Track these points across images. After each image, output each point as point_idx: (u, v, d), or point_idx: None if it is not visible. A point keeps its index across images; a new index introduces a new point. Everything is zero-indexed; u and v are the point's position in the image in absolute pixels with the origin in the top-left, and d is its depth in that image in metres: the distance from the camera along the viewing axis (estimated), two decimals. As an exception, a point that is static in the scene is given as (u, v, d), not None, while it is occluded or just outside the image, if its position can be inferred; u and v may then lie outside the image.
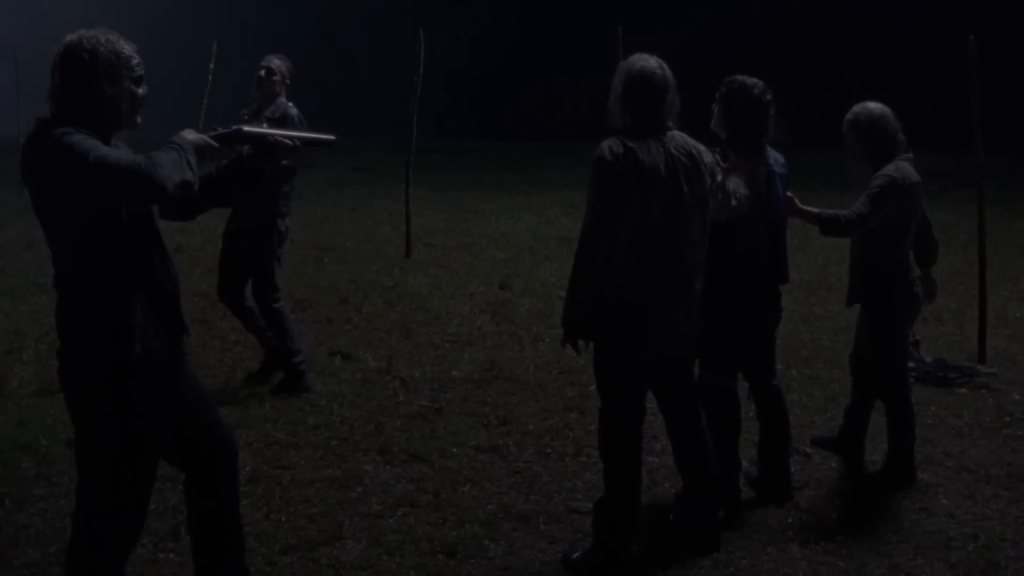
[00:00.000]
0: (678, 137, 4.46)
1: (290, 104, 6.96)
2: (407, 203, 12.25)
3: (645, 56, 4.52)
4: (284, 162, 6.00)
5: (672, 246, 4.38)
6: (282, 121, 6.69)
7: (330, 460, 5.78)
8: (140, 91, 3.58)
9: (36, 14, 31.50)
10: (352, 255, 11.96)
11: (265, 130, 4.01)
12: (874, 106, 5.51)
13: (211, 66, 13.39)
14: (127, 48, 3.54)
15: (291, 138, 3.93)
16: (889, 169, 5.35)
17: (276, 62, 6.98)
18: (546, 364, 7.58)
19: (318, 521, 5.01)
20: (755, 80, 5.08)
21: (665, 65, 4.49)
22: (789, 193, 5.26)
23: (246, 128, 3.92)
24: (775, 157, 5.17)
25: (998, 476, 5.64)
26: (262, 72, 6.91)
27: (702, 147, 4.53)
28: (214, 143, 3.72)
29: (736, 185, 4.74)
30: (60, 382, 3.61)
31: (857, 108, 5.53)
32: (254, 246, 6.92)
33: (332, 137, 4.17)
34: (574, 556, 4.61)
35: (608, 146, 4.32)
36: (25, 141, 3.48)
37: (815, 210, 5.35)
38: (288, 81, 7.01)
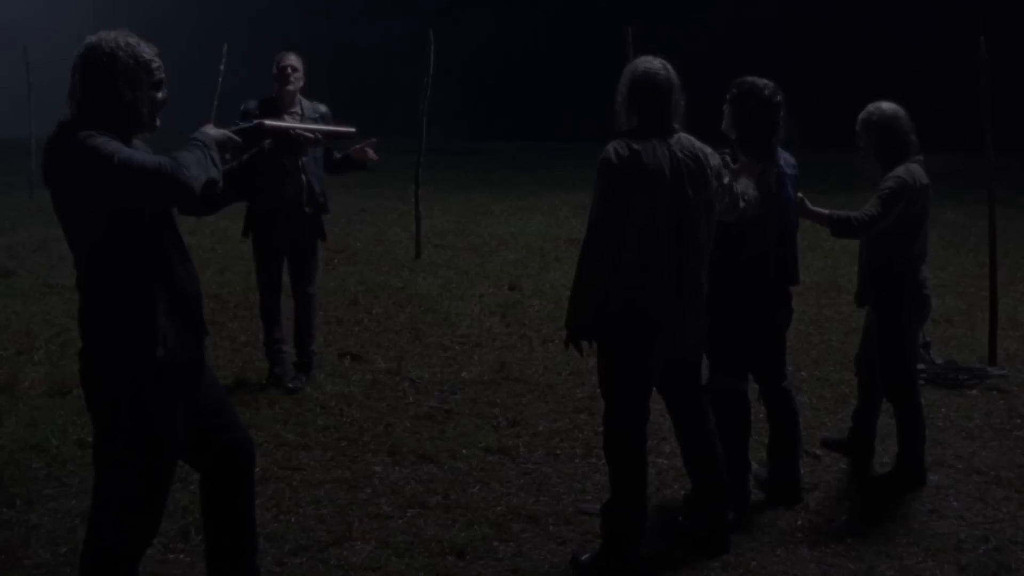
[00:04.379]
0: (684, 139, 4.46)
1: (316, 102, 7.03)
2: (417, 204, 12.28)
3: (649, 58, 4.53)
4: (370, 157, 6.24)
5: (678, 248, 4.38)
6: (324, 121, 6.72)
7: (340, 461, 5.78)
8: (160, 95, 3.58)
9: (48, 13, 31.60)
10: (362, 256, 11.98)
11: (287, 124, 4.02)
12: (888, 106, 5.50)
13: (221, 67, 13.41)
14: (147, 52, 3.53)
15: (312, 131, 3.94)
16: (900, 171, 5.34)
17: (294, 58, 6.99)
18: (556, 365, 7.58)
19: (327, 522, 5.02)
20: (765, 81, 5.08)
21: (670, 66, 4.49)
22: (800, 194, 5.25)
23: (268, 122, 3.93)
24: (785, 158, 5.17)
25: (1009, 478, 5.62)
26: (288, 70, 6.91)
27: (708, 149, 4.53)
28: (236, 138, 3.72)
29: (745, 187, 4.73)
30: (82, 382, 3.60)
31: (871, 107, 5.52)
32: (315, 235, 7.13)
33: (352, 129, 4.18)
34: (583, 557, 4.61)
35: (613, 148, 4.33)
36: (47, 143, 3.47)
37: (826, 211, 5.34)
38: (303, 78, 7.06)
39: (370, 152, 6.80)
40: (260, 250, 7.15)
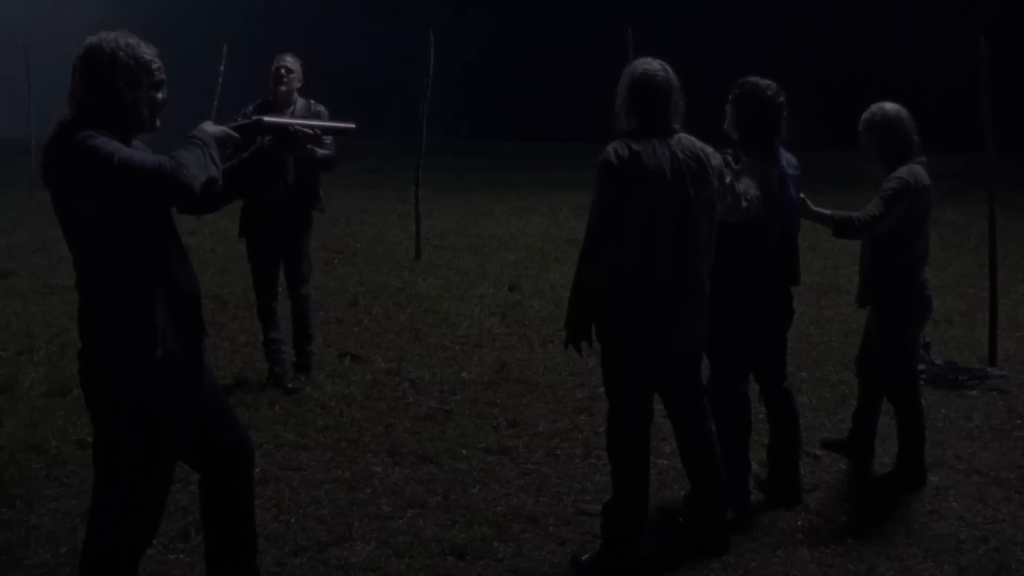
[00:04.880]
0: (685, 140, 4.46)
1: (312, 102, 7.03)
2: (417, 205, 12.28)
3: (648, 59, 4.54)
4: (325, 152, 6.30)
5: (679, 248, 4.38)
6: (316, 118, 6.70)
7: (339, 461, 5.78)
8: (160, 96, 3.57)
9: (49, 13, 31.58)
10: (362, 257, 11.98)
11: (285, 120, 4.00)
12: (890, 106, 5.50)
13: (221, 68, 13.44)
14: (147, 52, 3.52)
15: (311, 127, 3.92)
16: (902, 172, 5.34)
17: (290, 59, 6.99)
18: (556, 366, 7.58)
19: (327, 522, 5.02)
20: (768, 81, 5.08)
21: (668, 67, 4.50)
22: (802, 195, 5.25)
23: (267, 119, 3.90)
24: (787, 158, 5.17)
25: (1009, 479, 5.62)
26: (281, 71, 6.92)
27: (710, 149, 4.53)
28: (235, 134, 3.71)
29: (747, 187, 4.73)
30: (81, 383, 3.60)
31: (874, 108, 5.52)
32: (301, 233, 7.09)
33: (351, 125, 4.16)
34: (583, 558, 4.61)
35: (613, 148, 4.33)
36: (46, 144, 3.46)
37: (827, 212, 5.34)
38: (302, 79, 7.05)
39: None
40: (254, 252, 7.15)
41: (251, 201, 6.90)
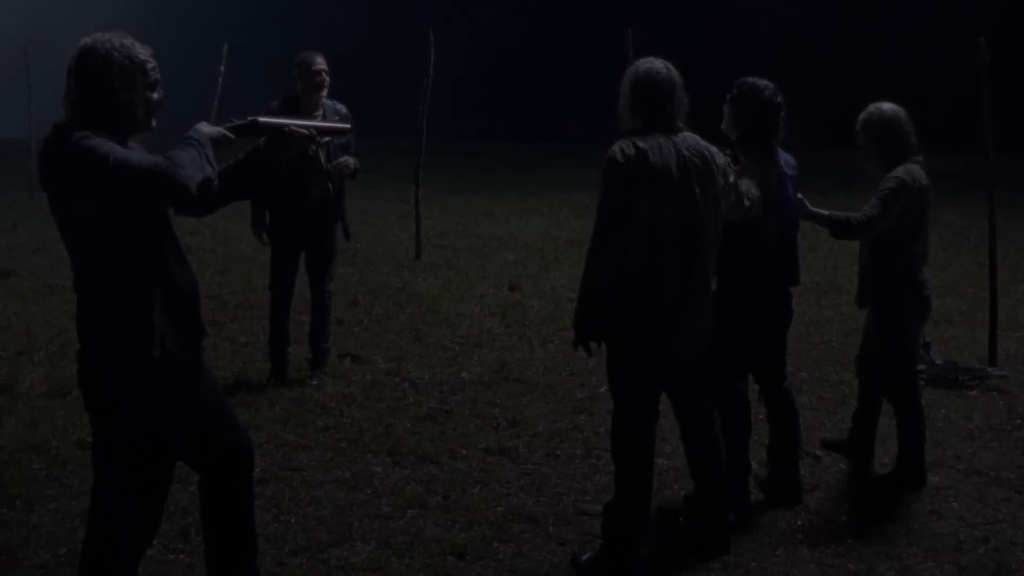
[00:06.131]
0: (690, 138, 4.47)
1: (335, 103, 7.03)
2: (417, 205, 12.28)
3: (651, 59, 4.55)
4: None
5: (684, 247, 4.38)
6: (344, 121, 6.69)
7: (340, 462, 5.78)
8: (155, 96, 3.58)
9: (47, 14, 31.59)
10: (362, 257, 11.97)
11: (281, 120, 4.00)
12: (888, 107, 5.50)
13: (221, 68, 13.42)
14: (142, 53, 3.53)
15: (307, 127, 3.92)
16: (899, 171, 5.34)
17: (322, 61, 6.97)
18: (556, 366, 7.58)
19: (327, 523, 5.02)
20: (766, 82, 5.08)
21: (671, 66, 4.51)
22: (800, 195, 5.25)
23: (262, 119, 3.90)
24: (786, 159, 5.17)
25: (1009, 479, 5.62)
26: (323, 74, 6.91)
27: (714, 148, 4.53)
28: (230, 135, 3.71)
29: (748, 187, 4.73)
30: (80, 383, 3.60)
31: (871, 108, 5.53)
32: (333, 234, 7.22)
33: (347, 126, 4.19)
34: (583, 558, 4.61)
35: (620, 147, 4.33)
36: (43, 145, 3.47)
37: (826, 212, 5.34)
38: None
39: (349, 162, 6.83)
40: (280, 253, 7.16)
41: (284, 202, 6.92)
